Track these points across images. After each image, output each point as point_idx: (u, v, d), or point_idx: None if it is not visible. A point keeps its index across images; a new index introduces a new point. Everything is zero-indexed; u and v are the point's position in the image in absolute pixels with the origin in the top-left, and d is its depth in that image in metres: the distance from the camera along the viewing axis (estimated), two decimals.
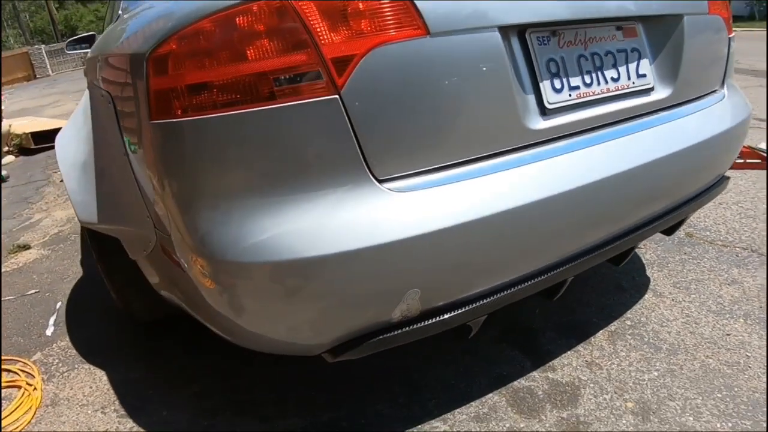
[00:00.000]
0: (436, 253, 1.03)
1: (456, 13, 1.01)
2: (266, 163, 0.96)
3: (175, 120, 0.95)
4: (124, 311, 1.77)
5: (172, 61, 0.95)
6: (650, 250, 2.16)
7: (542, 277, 1.22)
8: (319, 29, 0.92)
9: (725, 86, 1.68)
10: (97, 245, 1.64)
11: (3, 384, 1.64)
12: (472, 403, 1.44)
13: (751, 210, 2.51)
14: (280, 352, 1.25)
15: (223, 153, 0.96)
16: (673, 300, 1.83)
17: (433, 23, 0.98)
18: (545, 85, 1.18)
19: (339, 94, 0.93)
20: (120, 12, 1.69)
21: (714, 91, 1.63)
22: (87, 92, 1.65)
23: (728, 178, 1.73)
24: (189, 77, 0.94)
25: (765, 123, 3.35)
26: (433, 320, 1.12)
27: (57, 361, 1.76)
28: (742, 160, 3.04)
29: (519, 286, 1.19)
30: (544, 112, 1.18)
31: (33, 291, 2.20)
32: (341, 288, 1.01)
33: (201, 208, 0.98)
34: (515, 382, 1.51)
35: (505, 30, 1.08)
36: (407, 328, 1.10)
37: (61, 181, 3.95)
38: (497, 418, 1.39)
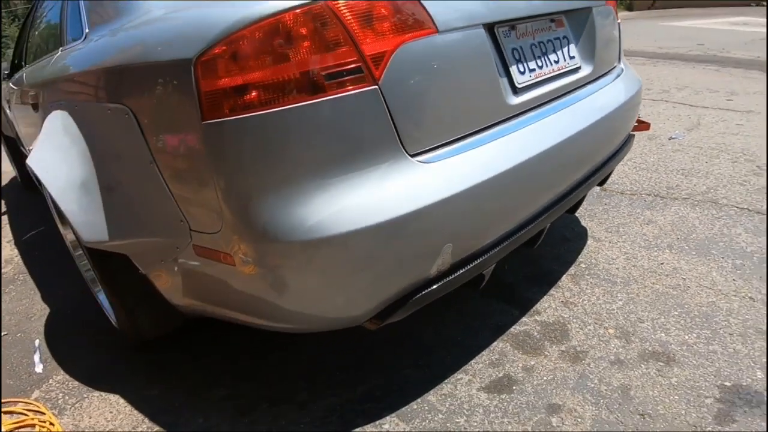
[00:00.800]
0: (461, 208, 1.22)
1: (455, 14, 1.23)
2: (319, 149, 1.09)
3: (231, 119, 1.05)
4: (129, 331, 1.73)
5: (223, 64, 1.05)
6: (582, 202, 2.53)
7: (533, 224, 1.47)
8: (356, 30, 1.09)
9: (621, 62, 2.07)
10: (100, 267, 1.60)
11: (13, 426, 1.57)
12: (483, 352, 1.66)
13: (642, 163, 3.00)
14: (325, 328, 1.37)
15: (279, 144, 1.07)
16: (610, 242, 2.19)
17: (440, 23, 1.19)
18: (513, 69, 1.43)
19: (378, 85, 1.11)
20: (88, 30, 1.68)
21: (615, 67, 2.01)
22: (61, 114, 1.62)
23: (634, 135, 2.12)
24: (241, 78, 1.05)
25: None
26: (461, 271, 1.31)
27: (61, 395, 1.70)
28: None
29: (518, 234, 1.43)
30: (516, 90, 1.43)
31: (2, 334, 2.09)
32: (395, 250, 1.17)
33: (262, 197, 1.08)
34: (512, 329, 1.74)
35: (485, 26, 1.32)
36: (442, 282, 1.28)
37: None
38: (509, 361, 1.61)
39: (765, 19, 10.58)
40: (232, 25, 1.06)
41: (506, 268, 2.06)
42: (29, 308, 2.25)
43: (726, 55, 6.46)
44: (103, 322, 1.93)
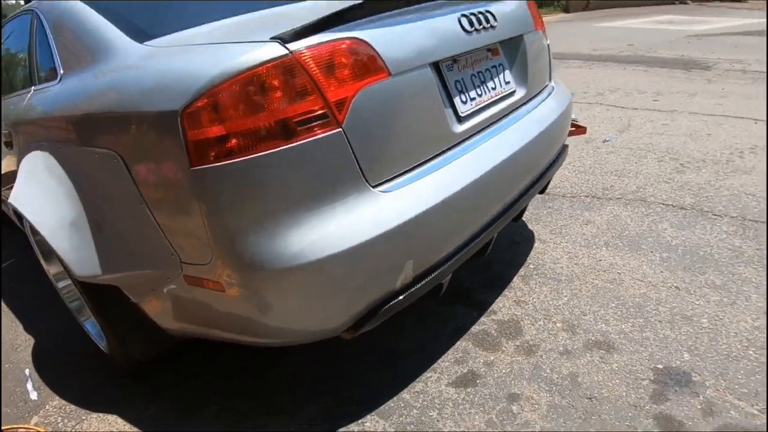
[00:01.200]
0: (418, 229, 1.39)
1: (405, 57, 1.40)
2: (295, 188, 1.24)
3: (217, 165, 1.19)
4: (120, 357, 1.81)
5: (206, 115, 1.18)
6: (525, 210, 2.74)
7: (482, 235, 1.65)
8: (321, 79, 1.24)
9: (551, 80, 2.29)
10: (92, 298, 1.67)
11: None
12: (448, 352, 1.83)
13: (580, 167, 3.26)
14: (307, 340, 1.49)
15: (260, 185, 1.21)
16: (554, 243, 2.41)
17: (392, 67, 1.36)
18: (457, 100, 1.61)
19: (342, 128, 1.26)
20: (62, 72, 1.73)
21: (546, 86, 2.22)
22: (42, 155, 1.70)
23: (567, 145, 2.34)
24: (224, 128, 1.18)
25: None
26: (422, 282, 1.48)
27: (60, 419, 1.77)
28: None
29: (470, 245, 1.61)
30: (460, 119, 1.61)
31: None
32: (363, 270, 1.33)
33: (248, 232, 1.23)
34: (472, 329, 1.93)
35: (430, 65, 1.50)
36: (406, 293, 1.45)
37: None
38: (472, 358, 1.79)
39: (689, 17, 11.31)
40: (213, 78, 1.19)
41: (463, 275, 2.24)
42: (13, 339, 2.30)
43: (653, 54, 6.92)
44: (90, 348, 2.00)
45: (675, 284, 2.03)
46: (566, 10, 15.14)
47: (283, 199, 1.24)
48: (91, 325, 2.00)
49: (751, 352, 1.66)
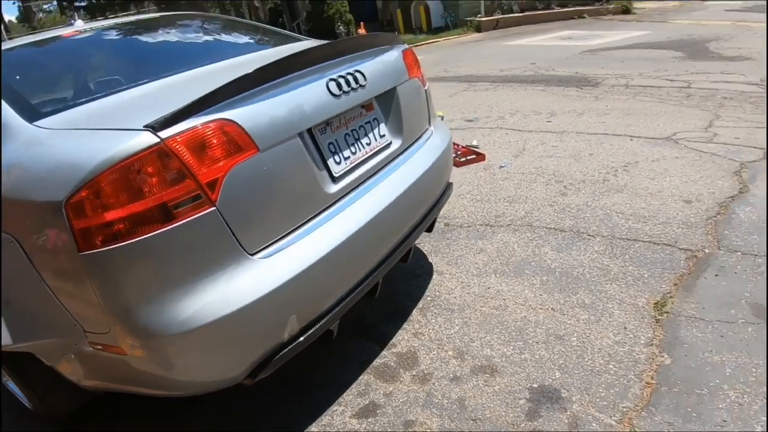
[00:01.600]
0: (297, 288, 1.53)
1: (272, 132, 1.53)
2: (177, 264, 1.36)
3: (104, 249, 1.29)
4: (42, 414, 1.90)
5: (89, 205, 1.28)
6: (426, 244, 2.94)
7: (366, 282, 1.80)
8: (192, 163, 1.35)
9: (431, 124, 2.47)
10: (9, 364, 1.74)
11: None
12: (353, 386, 1.97)
13: (478, 195, 3.50)
14: (212, 389, 1.59)
15: (143, 264, 1.33)
16: (450, 274, 2.60)
17: (261, 143, 1.49)
18: (331, 162, 1.76)
19: (216, 206, 1.38)
20: None
21: (425, 131, 2.40)
22: None
23: (452, 183, 2.53)
24: (106, 216, 1.28)
25: None
26: (309, 332, 1.62)
27: None
28: (464, 159, 4.09)
29: (354, 292, 1.76)
30: (334, 179, 1.76)
31: None
32: (249, 328, 1.46)
33: (139, 305, 1.34)
34: (374, 363, 2.07)
35: (301, 133, 1.64)
36: (294, 343, 1.59)
37: None
38: (373, 390, 1.94)
39: (586, 32, 12.12)
40: (93, 170, 1.28)
41: (368, 310, 2.39)
42: None
43: (552, 72, 7.41)
44: (17, 405, 2.03)
45: (551, 306, 2.25)
46: (478, 30, 15.84)
47: (168, 274, 1.36)
48: (14, 385, 2.03)
49: (611, 366, 1.88)
